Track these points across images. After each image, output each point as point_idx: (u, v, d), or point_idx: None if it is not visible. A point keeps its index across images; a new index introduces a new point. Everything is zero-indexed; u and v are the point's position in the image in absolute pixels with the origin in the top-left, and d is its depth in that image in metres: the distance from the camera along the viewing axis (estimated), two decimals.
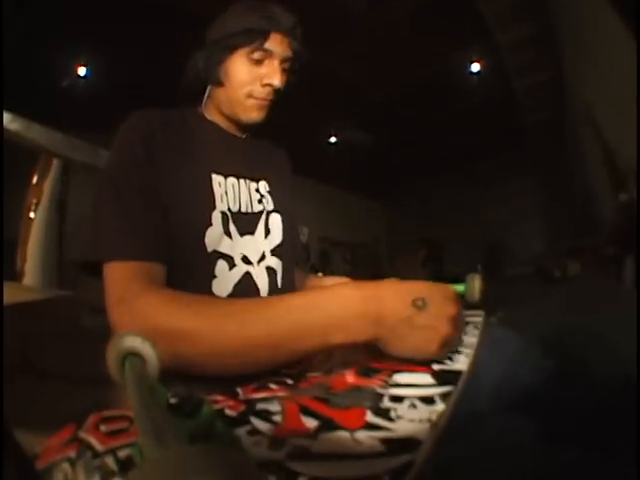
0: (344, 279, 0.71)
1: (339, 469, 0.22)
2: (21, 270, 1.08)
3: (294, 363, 0.43)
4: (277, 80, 0.61)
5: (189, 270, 0.55)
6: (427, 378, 0.34)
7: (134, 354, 0.22)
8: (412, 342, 0.37)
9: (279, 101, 0.65)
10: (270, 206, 0.66)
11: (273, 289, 0.62)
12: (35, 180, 1.13)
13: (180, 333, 0.40)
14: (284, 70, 0.63)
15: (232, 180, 0.62)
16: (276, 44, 0.61)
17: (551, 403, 0.46)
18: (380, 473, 0.22)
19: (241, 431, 0.27)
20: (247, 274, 0.59)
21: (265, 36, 0.60)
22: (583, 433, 0.41)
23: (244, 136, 0.69)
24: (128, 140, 0.56)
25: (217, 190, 0.59)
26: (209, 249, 0.56)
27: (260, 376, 0.41)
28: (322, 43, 2.71)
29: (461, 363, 0.37)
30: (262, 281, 0.61)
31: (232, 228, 0.59)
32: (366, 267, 6.20)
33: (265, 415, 0.29)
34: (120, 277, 0.47)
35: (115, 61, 3.60)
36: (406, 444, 0.24)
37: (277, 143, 0.79)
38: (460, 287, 0.59)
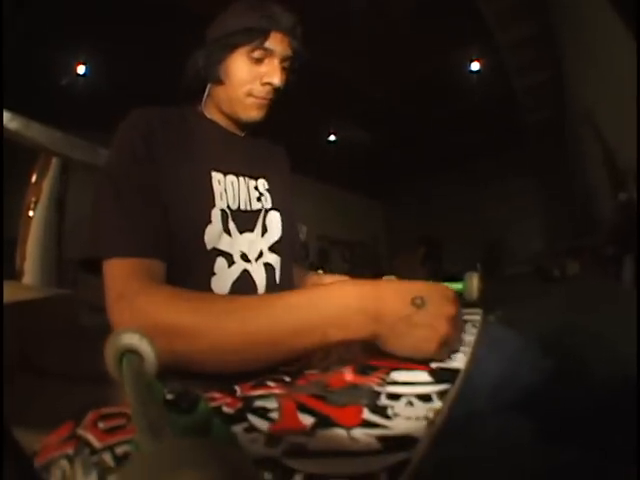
0: (344, 278, 0.72)
1: (335, 466, 0.23)
2: (20, 269, 1.08)
3: (293, 360, 0.43)
4: (277, 79, 0.61)
5: (188, 267, 0.55)
6: (424, 376, 0.34)
7: (132, 351, 0.22)
8: (411, 340, 0.37)
9: (279, 100, 0.65)
10: (268, 204, 0.66)
11: (271, 285, 0.62)
12: (34, 179, 1.13)
13: (180, 330, 0.40)
14: (284, 69, 0.63)
15: (231, 178, 0.62)
16: (276, 43, 0.61)
17: (550, 402, 0.46)
18: (376, 470, 0.22)
19: (238, 428, 0.27)
20: (245, 271, 0.60)
21: (265, 35, 0.60)
22: (582, 432, 0.41)
23: (243, 134, 0.69)
24: (128, 138, 0.56)
25: (217, 188, 0.59)
26: (208, 246, 0.56)
27: (258, 374, 0.41)
28: (322, 41, 2.71)
29: (459, 361, 0.37)
30: (259, 277, 0.61)
31: (231, 226, 0.60)
32: (365, 266, 6.20)
33: (262, 412, 0.30)
34: (120, 274, 0.47)
35: (114, 60, 3.60)
36: (403, 442, 0.24)
37: (276, 141, 0.79)
38: (458, 285, 0.59)
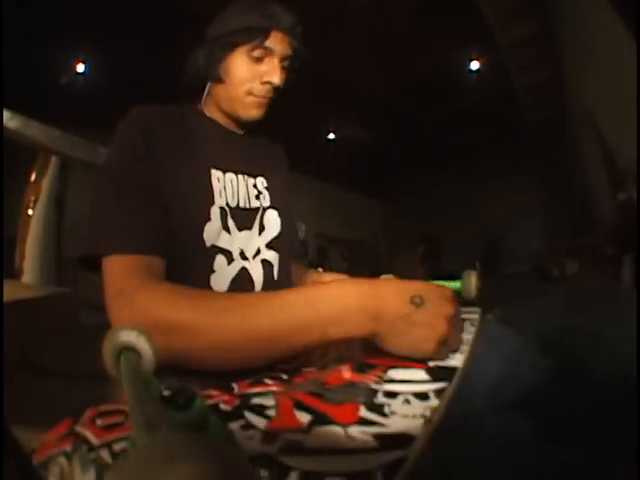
0: (343, 276, 0.72)
1: (332, 464, 0.23)
2: (20, 268, 1.08)
3: (292, 358, 0.43)
4: (277, 78, 0.61)
5: (188, 265, 0.55)
6: (422, 374, 0.35)
7: (130, 348, 0.22)
8: (409, 339, 0.37)
9: (278, 98, 0.65)
10: (267, 202, 0.66)
11: (269, 282, 0.63)
12: (33, 177, 1.13)
13: (180, 327, 0.40)
14: (284, 68, 0.63)
15: (231, 176, 0.62)
16: (276, 42, 0.61)
17: (549, 402, 0.46)
18: (373, 468, 0.22)
19: (235, 425, 0.27)
20: (243, 269, 0.60)
21: (266, 34, 0.60)
22: (581, 432, 0.41)
23: (242, 133, 0.69)
24: (128, 135, 0.56)
25: (216, 185, 0.60)
26: (208, 244, 0.57)
27: (255, 371, 0.41)
28: (322, 39, 2.71)
29: (456, 359, 0.37)
30: (257, 274, 0.61)
31: (230, 223, 0.60)
32: (364, 264, 6.20)
33: (259, 410, 0.30)
34: (119, 271, 0.47)
35: (114, 58, 3.60)
36: (399, 440, 0.25)
37: (276, 139, 0.79)
38: (456, 284, 0.59)
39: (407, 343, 0.37)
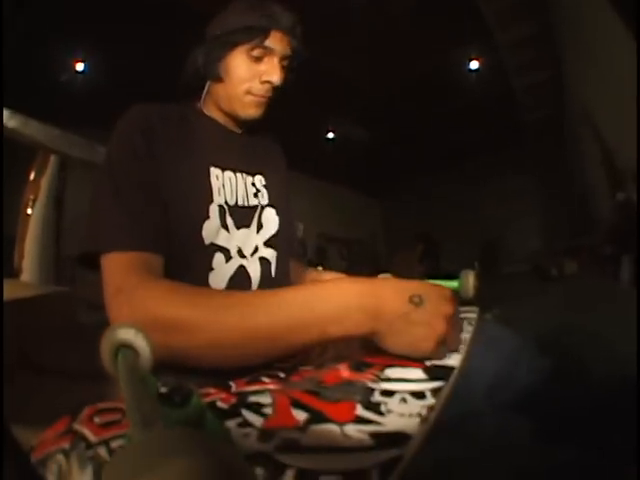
0: (342, 275, 0.72)
1: (327, 462, 0.23)
2: (19, 267, 1.08)
3: (290, 356, 0.43)
4: (276, 77, 0.61)
5: (187, 263, 0.55)
6: (419, 373, 0.35)
7: (127, 346, 0.22)
8: (408, 338, 0.37)
9: (278, 97, 0.65)
10: (265, 200, 0.67)
11: (266, 279, 0.63)
12: (32, 176, 1.13)
13: (179, 324, 0.40)
14: (283, 68, 0.63)
15: (229, 174, 0.62)
16: (276, 42, 0.61)
17: (548, 402, 0.46)
18: (368, 467, 0.22)
19: (232, 423, 0.27)
20: (241, 267, 0.60)
21: (265, 34, 0.60)
22: (580, 432, 0.41)
23: (240, 132, 0.70)
24: (127, 133, 0.56)
25: (215, 183, 0.60)
26: (206, 242, 0.57)
27: (253, 370, 0.41)
28: (321, 38, 2.71)
29: (453, 359, 0.37)
30: (254, 272, 0.62)
31: (229, 221, 0.60)
32: (363, 263, 6.20)
33: (256, 408, 0.30)
34: (118, 268, 0.47)
35: (113, 57, 3.59)
36: (395, 438, 0.25)
37: (275, 139, 0.79)
38: (454, 283, 0.59)
39: (406, 342, 0.37)
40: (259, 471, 0.22)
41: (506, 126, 5.20)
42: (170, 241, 0.53)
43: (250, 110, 0.64)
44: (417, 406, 0.29)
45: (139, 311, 0.42)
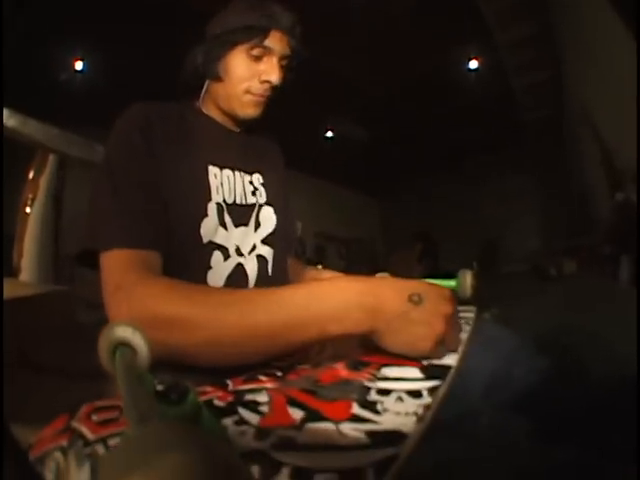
0: (341, 274, 0.72)
1: (323, 460, 0.23)
2: (17, 266, 1.08)
3: (289, 355, 0.43)
4: (275, 77, 0.61)
5: (185, 261, 0.55)
6: (415, 372, 0.35)
7: (125, 344, 0.23)
8: (407, 337, 0.37)
9: (277, 96, 0.66)
10: (263, 199, 0.67)
11: (263, 277, 0.63)
12: (31, 175, 1.13)
13: (178, 322, 0.40)
14: (282, 67, 0.64)
15: (227, 172, 0.63)
16: (275, 42, 0.62)
17: (547, 402, 0.46)
18: (364, 465, 0.22)
19: (228, 421, 0.27)
20: (239, 265, 0.60)
21: (265, 33, 0.61)
22: (579, 432, 0.41)
23: (239, 130, 0.70)
24: (126, 131, 0.56)
25: (213, 182, 0.60)
26: (205, 240, 0.57)
27: (250, 368, 0.41)
28: (321, 37, 2.71)
29: (450, 358, 0.38)
30: (251, 269, 0.62)
31: (227, 219, 0.60)
32: (362, 262, 6.20)
33: (253, 406, 0.30)
34: (117, 265, 0.47)
35: (112, 56, 3.58)
36: (391, 437, 0.25)
37: (273, 137, 0.79)
38: (452, 283, 0.59)
39: (404, 341, 0.37)
40: (255, 469, 0.22)
41: (505, 126, 5.20)
42: (169, 239, 0.53)
43: (249, 109, 0.64)
44: (413, 405, 0.29)
45: (138, 308, 0.42)
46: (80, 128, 1.29)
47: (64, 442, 0.26)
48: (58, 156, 1.14)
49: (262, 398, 0.31)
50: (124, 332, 0.23)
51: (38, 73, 3.49)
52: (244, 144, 0.69)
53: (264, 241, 0.65)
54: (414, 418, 0.27)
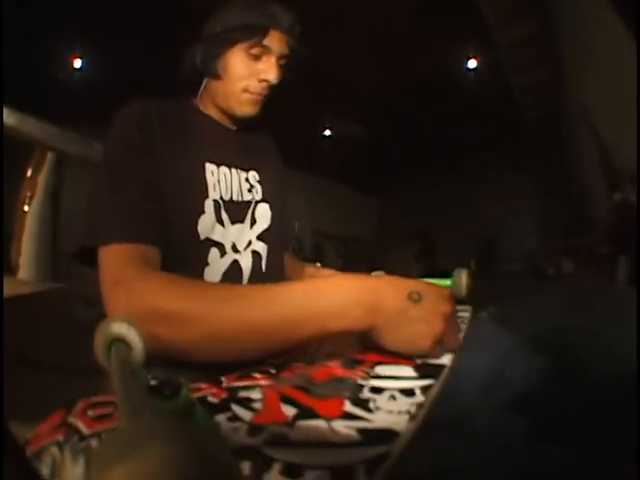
0: (338, 273, 0.72)
1: (315, 457, 0.23)
2: (16, 264, 1.08)
3: (286, 352, 0.43)
4: (273, 76, 0.62)
5: (183, 258, 0.55)
6: (409, 371, 0.35)
7: (120, 340, 0.23)
8: (405, 335, 0.37)
9: (276, 95, 0.66)
10: (259, 196, 0.67)
11: (256, 272, 0.63)
12: (29, 173, 1.13)
13: (177, 316, 0.40)
14: (280, 66, 0.64)
15: (224, 169, 0.63)
16: (274, 41, 0.62)
17: (545, 401, 0.46)
18: (355, 462, 0.22)
19: (221, 417, 0.28)
20: (235, 262, 0.61)
21: (264, 33, 0.61)
22: (578, 432, 0.41)
23: (235, 128, 0.70)
24: (125, 127, 0.56)
25: (210, 179, 0.60)
26: (202, 237, 0.58)
27: (245, 365, 0.41)
28: (321, 36, 2.70)
29: (445, 357, 0.38)
30: (246, 265, 0.62)
31: (224, 216, 0.61)
32: (359, 261, 6.19)
33: (246, 403, 0.30)
34: (116, 260, 0.47)
35: (111, 53, 3.57)
36: (383, 435, 0.25)
37: (270, 135, 0.80)
38: (447, 282, 0.59)
39: (403, 339, 0.37)
40: (246, 465, 0.22)
41: (505, 125, 5.19)
42: (167, 236, 0.53)
43: (246, 108, 0.64)
44: (406, 403, 0.29)
45: (137, 303, 0.42)
46: (79, 126, 1.29)
47: (60, 437, 0.26)
48: (56, 154, 1.14)
49: (256, 395, 0.31)
50: (119, 328, 0.23)
51: (37, 71, 3.48)
52: (241, 142, 0.69)
53: (259, 237, 0.65)
54: (406, 416, 0.27)
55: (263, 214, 0.67)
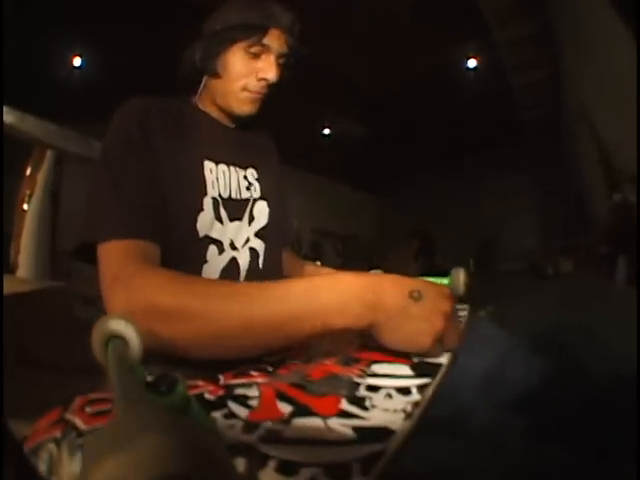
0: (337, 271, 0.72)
1: (310, 454, 0.23)
2: (15, 262, 1.08)
3: (288, 349, 0.43)
4: (272, 75, 0.62)
5: (182, 255, 0.55)
6: (405, 369, 0.35)
7: (117, 336, 0.23)
8: (406, 332, 0.37)
9: (275, 93, 0.66)
10: (257, 194, 0.68)
11: (253, 269, 0.63)
12: (29, 172, 1.13)
13: (177, 312, 0.40)
14: (279, 65, 0.64)
15: (223, 167, 0.63)
16: (274, 40, 0.62)
17: (543, 401, 0.46)
18: (349, 460, 0.22)
19: (217, 414, 0.28)
20: (233, 259, 0.61)
21: (264, 31, 0.61)
22: (576, 432, 0.41)
23: (234, 126, 0.70)
24: (124, 125, 0.56)
25: (208, 176, 0.61)
26: (201, 234, 0.58)
27: (242, 362, 0.41)
28: (320, 34, 2.70)
29: (442, 356, 0.38)
30: (243, 262, 0.62)
31: (223, 214, 0.61)
32: (358, 259, 6.19)
33: (242, 400, 0.30)
34: (115, 256, 0.47)
35: (110, 52, 3.57)
36: (378, 433, 0.25)
37: (268, 133, 0.80)
38: (444, 281, 0.60)
39: (404, 337, 0.37)
40: (242, 461, 0.22)
41: (504, 124, 5.19)
42: (166, 233, 0.53)
43: (245, 106, 0.65)
44: (402, 402, 0.29)
45: (136, 299, 0.42)
46: (78, 124, 1.29)
47: (58, 433, 0.26)
48: (56, 152, 1.14)
49: (252, 392, 0.31)
50: (117, 325, 0.23)
51: (36, 69, 3.47)
52: (239, 140, 0.70)
53: (257, 234, 0.66)
54: (402, 415, 0.27)
55: (261, 212, 0.67)
